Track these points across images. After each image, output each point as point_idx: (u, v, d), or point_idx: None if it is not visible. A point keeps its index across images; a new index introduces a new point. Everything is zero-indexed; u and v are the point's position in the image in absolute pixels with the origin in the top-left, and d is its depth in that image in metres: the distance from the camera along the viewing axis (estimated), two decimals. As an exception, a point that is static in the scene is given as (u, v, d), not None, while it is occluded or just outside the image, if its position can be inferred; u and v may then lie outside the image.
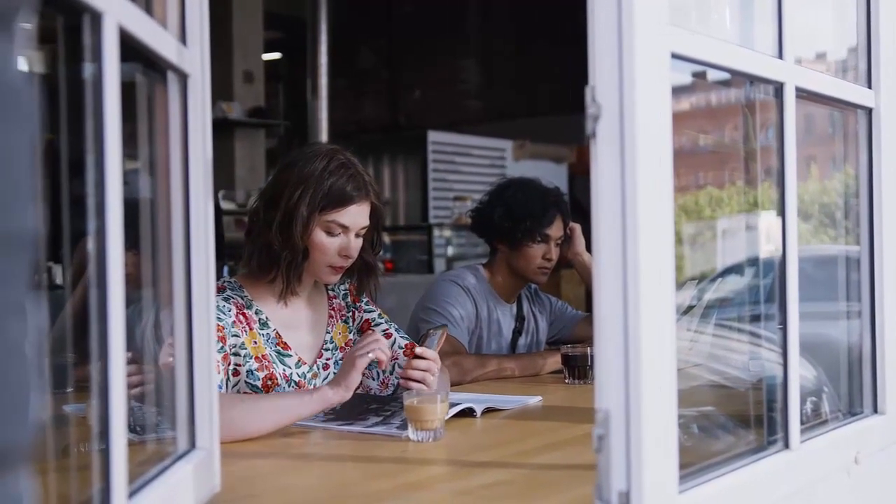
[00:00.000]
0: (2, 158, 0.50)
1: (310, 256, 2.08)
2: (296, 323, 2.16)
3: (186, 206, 1.29)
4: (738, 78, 1.51)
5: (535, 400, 2.25)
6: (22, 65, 0.53)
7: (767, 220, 1.75)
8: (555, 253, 2.88)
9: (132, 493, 1.03)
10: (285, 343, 2.11)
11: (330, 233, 2.07)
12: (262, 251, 2.08)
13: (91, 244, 0.96)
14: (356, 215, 2.08)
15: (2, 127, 0.50)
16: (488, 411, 2.07)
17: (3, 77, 0.51)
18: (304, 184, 2.03)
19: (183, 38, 1.28)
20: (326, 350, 2.20)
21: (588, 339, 2.83)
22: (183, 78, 1.28)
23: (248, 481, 1.52)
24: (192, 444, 1.30)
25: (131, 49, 1.05)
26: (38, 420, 0.55)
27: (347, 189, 2.05)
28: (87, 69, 0.96)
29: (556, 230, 2.87)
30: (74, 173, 0.97)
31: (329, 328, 2.22)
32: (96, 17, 0.94)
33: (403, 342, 2.25)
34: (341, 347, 2.22)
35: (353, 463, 1.67)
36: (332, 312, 2.25)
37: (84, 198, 0.96)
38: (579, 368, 2.54)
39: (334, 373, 2.16)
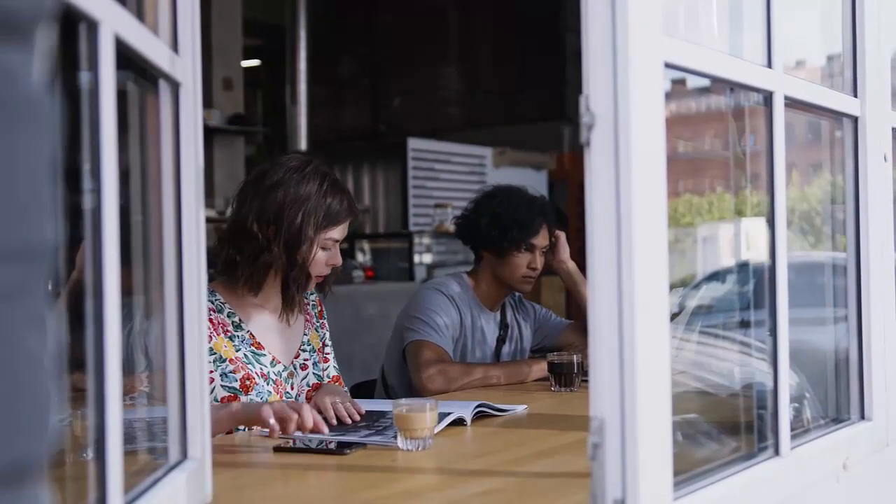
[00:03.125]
0: (23, 170, 0.49)
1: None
2: (271, 325, 2.22)
3: (178, 215, 1.28)
4: (720, 85, 1.52)
5: (521, 408, 2.25)
6: (41, 76, 0.53)
7: (748, 227, 1.76)
8: (540, 262, 2.88)
9: (127, 505, 1.02)
10: (259, 343, 2.17)
11: (325, 248, 2.17)
12: (261, 270, 2.12)
13: (86, 253, 0.95)
14: (346, 228, 2.21)
15: (23, 138, 0.49)
16: (479, 417, 2.07)
17: (24, 88, 0.50)
18: (304, 206, 2.12)
19: (175, 46, 1.27)
20: (304, 351, 2.28)
21: (572, 347, 2.84)
22: (175, 86, 1.27)
23: (240, 491, 1.51)
24: (184, 455, 1.29)
25: (124, 57, 1.04)
26: (55, 432, 0.55)
27: (343, 208, 2.18)
28: (83, 77, 0.95)
29: (541, 239, 2.88)
30: (67, 181, 0.96)
31: (306, 330, 2.30)
32: (93, 26, 0.93)
33: (333, 373, 2.36)
34: (318, 350, 2.31)
35: (343, 472, 1.67)
36: (308, 317, 2.33)
37: (77, 206, 0.95)
38: (565, 376, 2.55)
39: (313, 373, 2.27)
